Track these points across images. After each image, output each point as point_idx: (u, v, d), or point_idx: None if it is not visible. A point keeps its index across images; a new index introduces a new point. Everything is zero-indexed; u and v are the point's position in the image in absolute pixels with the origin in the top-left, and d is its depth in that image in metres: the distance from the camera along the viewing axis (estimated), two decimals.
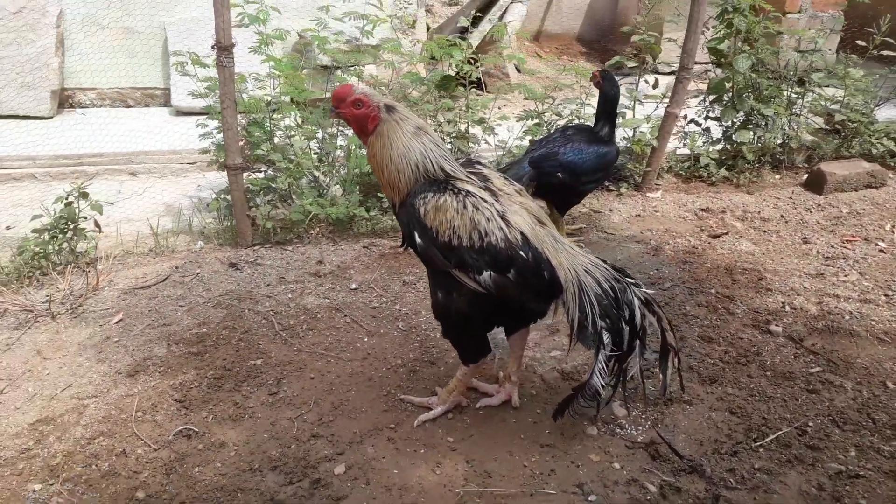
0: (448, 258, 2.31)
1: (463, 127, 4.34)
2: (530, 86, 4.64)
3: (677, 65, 4.39)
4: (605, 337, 2.32)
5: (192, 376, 2.90)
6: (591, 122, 3.98)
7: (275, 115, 4.02)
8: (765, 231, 4.16)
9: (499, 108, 6.24)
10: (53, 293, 3.55)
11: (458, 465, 2.39)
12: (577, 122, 4.34)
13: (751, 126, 4.82)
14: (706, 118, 4.95)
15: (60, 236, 3.87)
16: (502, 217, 2.32)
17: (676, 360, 2.51)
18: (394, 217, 4.17)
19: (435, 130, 4.26)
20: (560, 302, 2.37)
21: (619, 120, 4.61)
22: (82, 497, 2.30)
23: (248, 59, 4.32)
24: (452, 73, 4.24)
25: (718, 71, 4.85)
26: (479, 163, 2.57)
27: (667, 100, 4.48)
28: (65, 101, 7.10)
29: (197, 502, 2.27)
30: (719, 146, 4.98)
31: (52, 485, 2.35)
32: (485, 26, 7.64)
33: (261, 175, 4.25)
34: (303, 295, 3.53)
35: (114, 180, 5.80)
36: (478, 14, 7.53)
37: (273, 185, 4.08)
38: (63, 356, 3.07)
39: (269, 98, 4.00)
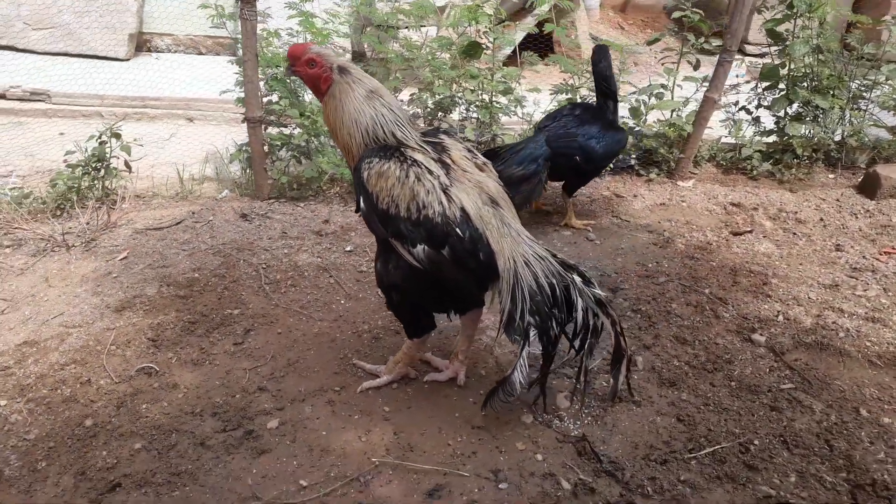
0: (386, 226, 2.29)
1: (486, 97, 4.25)
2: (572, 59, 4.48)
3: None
4: (532, 334, 2.24)
5: (171, 318, 3.05)
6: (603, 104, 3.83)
7: None
8: (795, 233, 3.89)
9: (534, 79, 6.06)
10: (74, 226, 3.80)
11: (385, 435, 2.41)
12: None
13: (805, 119, 4.47)
14: (757, 106, 4.64)
15: (92, 173, 4.12)
16: (445, 191, 2.27)
17: (627, 367, 2.44)
18: None
19: (459, 97, 4.22)
20: (496, 289, 2.32)
21: (652, 100, 4.41)
22: (38, 417, 2.48)
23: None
24: (480, 41, 4.15)
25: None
26: (448, 133, 2.52)
27: (706, 83, 4.22)
28: (143, 44, 7.46)
29: (134, 437, 2.40)
30: (769, 138, 4.66)
31: (17, 402, 2.55)
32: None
33: (285, 130, 4.35)
34: (298, 252, 3.61)
35: (172, 124, 6.09)
36: None
37: (292, 141, 4.16)
38: (65, 286, 3.30)
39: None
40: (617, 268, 3.48)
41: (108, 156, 4.12)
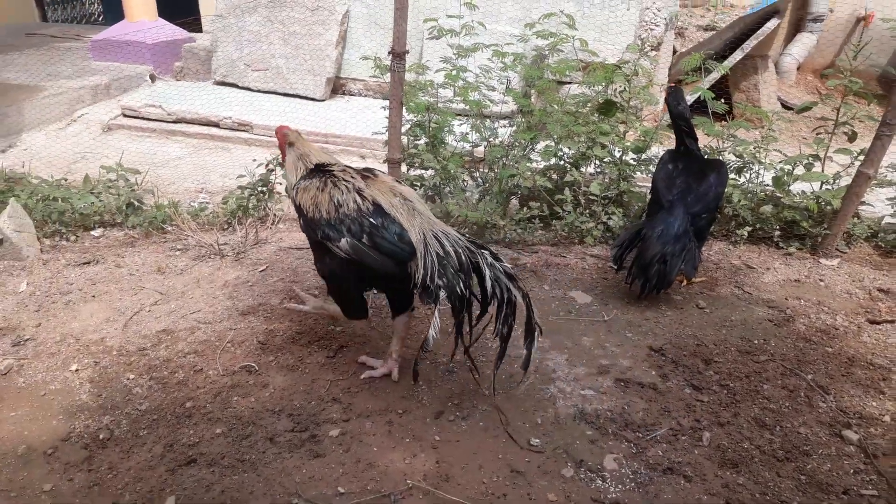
0: (315, 230, 2.76)
1: (617, 153, 4.27)
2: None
3: None
4: (442, 294, 2.59)
5: (283, 326, 3.43)
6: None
7: (436, 119, 4.40)
8: None
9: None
10: (231, 239, 4.39)
11: (428, 462, 2.55)
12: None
13: None
14: None
15: (258, 195, 4.73)
16: (359, 193, 2.74)
17: (537, 338, 2.69)
18: (524, 230, 4.31)
19: (587, 152, 4.29)
20: (414, 265, 2.67)
21: (798, 170, 4.15)
22: (154, 393, 2.94)
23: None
24: (616, 100, 4.20)
25: None
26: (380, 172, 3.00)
27: (862, 157, 3.89)
28: (338, 88, 8.33)
29: (219, 423, 2.76)
30: None
31: (142, 378, 3.04)
32: (736, 55, 7.13)
33: (425, 172, 4.68)
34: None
35: (346, 159, 6.72)
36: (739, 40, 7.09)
37: (424, 183, 4.47)
38: (211, 287, 3.83)
39: (434, 102, 4.38)
40: (718, 339, 3.32)
41: (272, 181, 4.72)
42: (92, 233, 4.56)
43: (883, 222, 4.34)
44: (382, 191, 2.78)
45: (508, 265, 2.70)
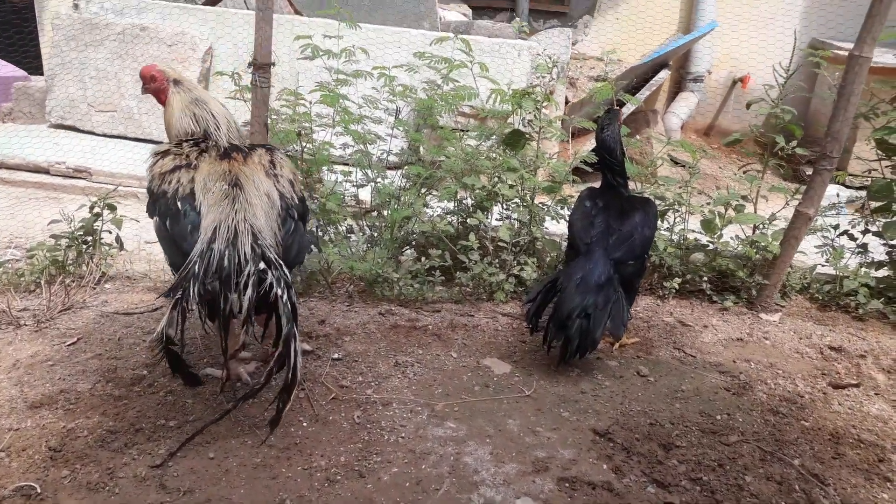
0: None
1: (528, 195, 3.63)
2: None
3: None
4: (178, 293, 2.24)
5: (91, 423, 2.41)
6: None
7: (309, 149, 3.60)
8: None
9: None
10: (35, 304, 3.31)
11: None
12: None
13: None
14: (864, 231, 3.81)
15: (79, 247, 3.68)
16: (190, 167, 2.51)
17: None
18: (422, 284, 3.54)
19: (494, 192, 3.62)
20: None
21: (729, 213, 3.68)
22: None
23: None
24: (523, 129, 3.58)
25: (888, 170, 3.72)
26: (270, 147, 2.75)
27: (799, 196, 3.46)
28: None
29: None
30: (880, 271, 3.79)
31: None
32: (640, 94, 6.88)
33: None
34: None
35: None
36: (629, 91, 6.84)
37: None
38: None
39: (303, 128, 3.57)
40: (673, 416, 2.63)
41: (98, 229, 3.69)
42: None
43: (814, 272, 3.92)
44: (216, 173, 2.51)
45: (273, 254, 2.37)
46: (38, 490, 2.08)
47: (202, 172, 2.50)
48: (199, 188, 2.46)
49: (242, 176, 2.51)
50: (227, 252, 2.29)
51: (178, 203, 2.44)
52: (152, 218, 2.53)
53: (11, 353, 2.89)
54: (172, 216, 2.44)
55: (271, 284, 2.24)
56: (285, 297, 2.24)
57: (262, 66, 3.30)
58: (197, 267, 2.26)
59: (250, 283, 2.23)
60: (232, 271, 2.25)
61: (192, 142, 2.62)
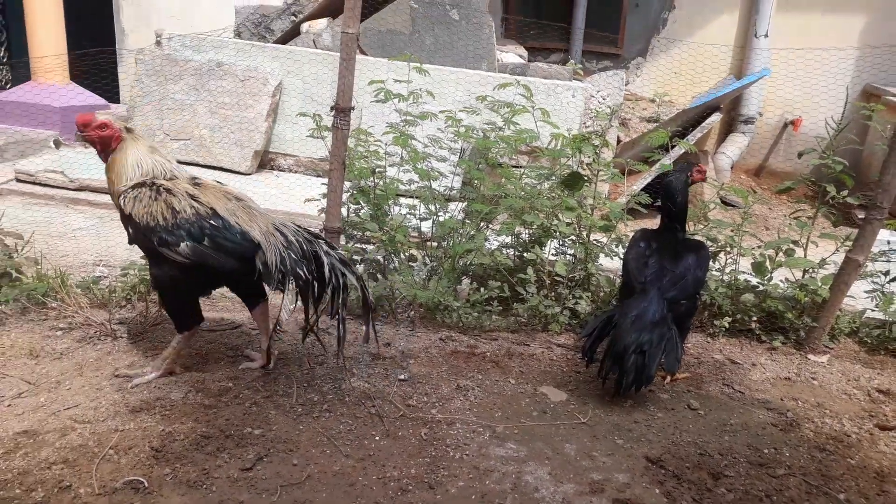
0: (151, 239, 2.76)
1: (584, 232, 3.83)
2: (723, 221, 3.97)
3: None
4: (289, 283, 2.85)
5: (186, 428, 2.68)
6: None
7: (381, 185, 3.88)
8: None
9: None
10: (130, 318, 3.62)
11: None
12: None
13: None
14: None
15: None
16: (194, 199, 2.80)
17: (372, 316, 3.02)
18: (480, 313, 3.75)
19: (551, 228, 3.83)
20: (260, 258, 2.82)
21: (780, 257, 3.81)
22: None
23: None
24: (582, 172, 3.79)
25: None
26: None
27: (849, 243, 3.58)
28: (267, 162, 7.74)
29: None
30: None
31: None
32: (691, 137, 7.02)
33: (367, 245, 4.10)
34: (347, 373, 3.20)
35: None
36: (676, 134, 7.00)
37: (367, 257, 3.88)
38: (96, 377, 3.03)
39: (378, 166, 3.86)
40: (722, 448, 2.78)
41: None
42: None
43: (864, 316, 4.01)
44: (217, 196, 2.87)
45: (342, 252, 3.01)
46: (146, 484, 2.34)
47: (208, 197, 2.83)
48: (219, 207, 2.81)
49: (229, 195, 2.95)
50: (298, 242, 2.87)
51: (212, 221, 2.77)
52: (177, 245, 2.74)
53: (110, 362, 3.19)
54: (213, 233, 2.76)
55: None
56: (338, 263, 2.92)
57: (343, 109, 3.60)
58: (289, 258, 2.81)
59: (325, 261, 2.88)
60: (309, 256, 2.88)
61: (149, 181, 2.82)
